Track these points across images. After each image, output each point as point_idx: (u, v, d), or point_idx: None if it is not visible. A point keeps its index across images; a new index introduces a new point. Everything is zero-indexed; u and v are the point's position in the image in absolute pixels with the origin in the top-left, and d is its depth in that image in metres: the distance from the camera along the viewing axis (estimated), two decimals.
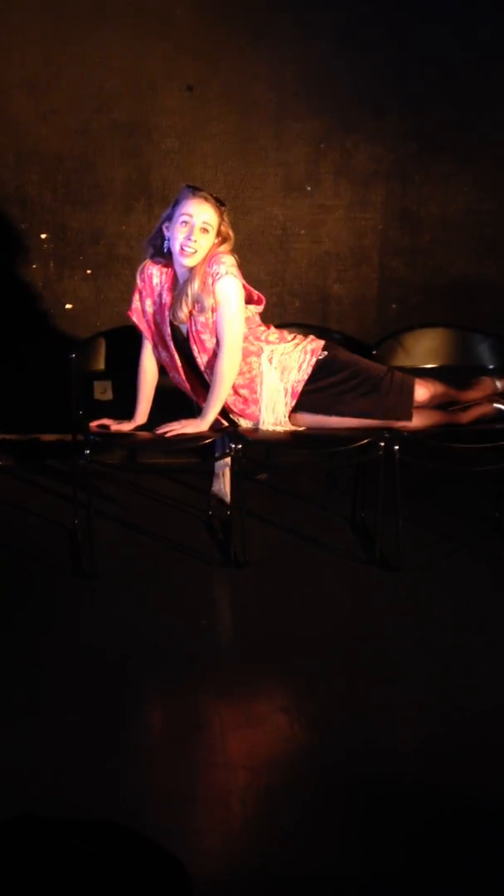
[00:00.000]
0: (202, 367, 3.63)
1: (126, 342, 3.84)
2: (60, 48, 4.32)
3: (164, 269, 3.63)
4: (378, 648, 3.17)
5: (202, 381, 3.68)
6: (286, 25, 4.36)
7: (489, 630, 3.27)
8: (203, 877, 2.14)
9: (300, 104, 4.44)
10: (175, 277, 3.61)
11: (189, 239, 3.48)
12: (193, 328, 3.58)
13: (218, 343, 3.56)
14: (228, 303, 3.52)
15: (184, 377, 3.69)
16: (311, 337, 3.78)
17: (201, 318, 3.54)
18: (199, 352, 3.61)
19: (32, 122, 4.39)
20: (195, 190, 3.54)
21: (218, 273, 3.50)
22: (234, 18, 4.34)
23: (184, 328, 3.62)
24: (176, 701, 2.94)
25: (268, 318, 3.81)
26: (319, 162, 4.51)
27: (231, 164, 4.48)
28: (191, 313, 3.55)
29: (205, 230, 3.50)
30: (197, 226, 3.48)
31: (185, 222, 3.49)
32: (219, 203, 3.55)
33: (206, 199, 3.51)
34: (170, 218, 3.55)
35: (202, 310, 3.52)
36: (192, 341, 3.60)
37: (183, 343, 3.65)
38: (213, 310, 3.52)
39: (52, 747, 2.65)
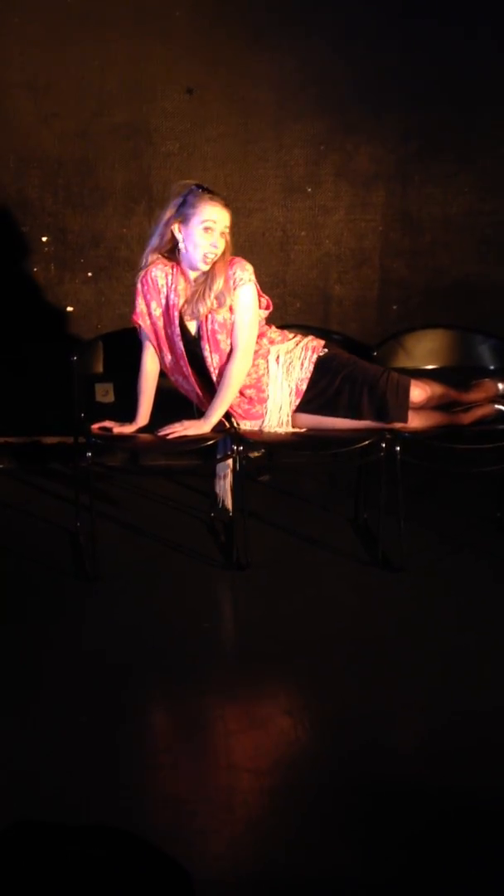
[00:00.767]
0: (211, 368, 3.62)
1: (127, 344, 3.84)
2: (60, 50, 4.32)
3: (170, 270, 3.61)
4: (380, 649, 3.17)
5: (207, 384, 3.68)
6: (286, 26, 4.36)
7: (491, 630, 3.27)
8: (206, 880, 2.14)
9: (300, 105, 4.44)
10: (185, 276, 3.60)
11: (214, 245, 3.49)
12: (208, 326, 3.57)
13: (231, 346, 3.57)
14: (247, 311, 3.54)
15: (192, 379, 3.67)
16: (311, 336, 3.79)
17: (219, 318, 3.54)
18: (211, 351, 3.60)
19: (33, 124, 4.40)
20: (210, 192, 3.52)
21: (241, 280, 3.51)
22: (234, 19, 4.34)
23: (193, 328, 3.62)
24: (178, 703, 2.94)
25: (270, 320, 3.81)
26: (320, 163, 4.51)
27: (231, 166, 4.48)
28: (209, 312, 3.55)
29: (223, 233, 3.52)
30: (219, 231, 3.49)
31: (209, 228, 3.48)
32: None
33: (221, 202, 3.52)
34: (184, 221, 3.53)
35: (222, 305, 3.52)
36: (204, 341, 3.60)
37: (191, 344, 3.65)
38: (231, 311, 3.53)
39: (53, 749, 2.65)
